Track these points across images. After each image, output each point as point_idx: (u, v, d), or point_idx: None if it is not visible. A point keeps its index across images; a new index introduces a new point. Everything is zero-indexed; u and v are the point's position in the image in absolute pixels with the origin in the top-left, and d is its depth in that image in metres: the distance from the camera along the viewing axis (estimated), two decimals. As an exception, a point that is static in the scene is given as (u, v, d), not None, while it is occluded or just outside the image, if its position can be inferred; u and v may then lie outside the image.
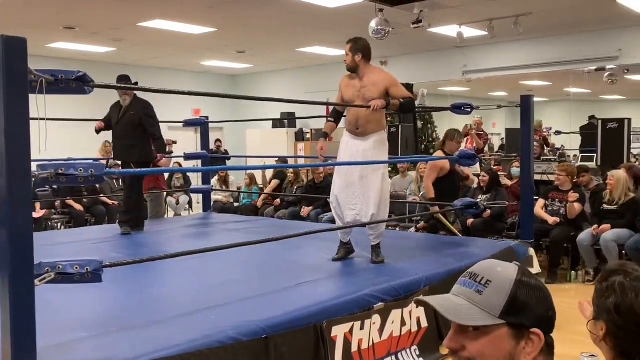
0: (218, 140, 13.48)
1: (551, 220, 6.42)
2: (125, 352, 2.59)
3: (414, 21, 8.21)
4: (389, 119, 11.71)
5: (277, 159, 9.89)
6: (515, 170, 7.30)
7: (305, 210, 8.67)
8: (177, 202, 10.76)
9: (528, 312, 1.17)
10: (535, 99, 5.55)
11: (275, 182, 9.62)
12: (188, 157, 7.17)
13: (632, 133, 9.48)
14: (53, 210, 8.68)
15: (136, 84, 5.73)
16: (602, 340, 1.48)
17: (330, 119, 4.74)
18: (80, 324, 3.10)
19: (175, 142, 10.21)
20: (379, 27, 7.96)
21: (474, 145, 9.98)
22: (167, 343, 2.71)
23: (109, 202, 9.13)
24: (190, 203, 11.03)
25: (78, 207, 8.70)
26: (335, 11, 8.55)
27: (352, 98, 4.53)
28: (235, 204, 10.05)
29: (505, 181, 7.84)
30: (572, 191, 6.48)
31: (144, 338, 2.82)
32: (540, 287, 1.21)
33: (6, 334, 2.23)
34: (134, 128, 5.98)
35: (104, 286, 2.94)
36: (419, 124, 12.21)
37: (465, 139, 10.14)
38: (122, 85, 5.20)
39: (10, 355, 2.20)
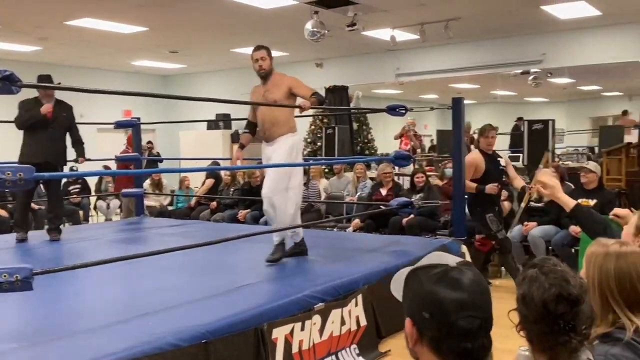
0: (149, 142, 13.17)
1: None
2: (59, 363, 2.49)
3: (349, 24, 8.31)
4: (325, 120, 11.80)
5: (211, 161, 9.76)
6: (449, 170, 7.51)
7: (242, 214, 8.59)
8: (108, 207, 10.43)
9: (405, 301, 1.23)
10: (465, 102, 5.74)
11: (210, 182, 9.47)
12: (120, 159, 6.98)
13: (555, 133, 9.94)
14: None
15: (59, 84, 5.35)
16: (517, 329, 1.57)
17: (244, 130, 4.83)
18: (10, 334, 2.96)
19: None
20: (315, 29, 8.01)
21: (410, 145, 10.20)
22: (103, 352, 2.62)
23: (35, 207, 8.74)
24: (121, 207, 10.71)
25: (2, 212, 8.29)
26: (270, 12, 8.53)
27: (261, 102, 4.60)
28: (170, 208, 9.84)
29: (436, 181, 8.06)
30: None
31: (79, 347, 2.72)
32: (427, 287, 1.17)
33: None
34: (65, 131, 5.78)
35: (33, 295, 2.83)
36: (355, 125, 12.37)
37: (400, 140, 10.36)
38: (51, 85, 4.88)
39: None
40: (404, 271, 1.30)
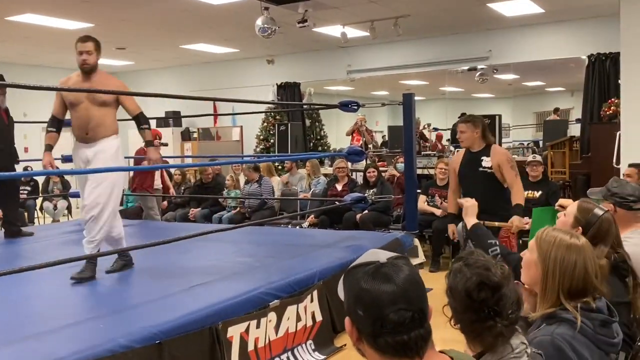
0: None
1: (438, 212, 6.73)
2: (5, 370, 2.41)
3: (300, 20, 8.30)
4: (277, 117, 11.78)
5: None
6: (401, 165, 7.61)
7: (192, 212, 8.49)
8: (55, 208, 10.13)
9: (344, 300, 1.25)
10: (415, 98, 5.81)
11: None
12: (67, 159, 6.76)
13: (502, 128, 10.19)
14: None
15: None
16: (453, 325, 1.62)
17: (51, 129, 4.30)
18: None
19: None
20: (265, 25, 7.97)
21: (362, 140, 10.29)
22: (51, 356, 2.55)
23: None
24: (69, 208, 10.43)
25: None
26: (220, 8, 8.44)
27: (79, 99, 4.17)
28: (120, 208, 9.61)
29: (393, 172, 8.14)
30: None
31: (26, 352, 2.64)
32: (360, 284, 1.19)
33: None
34: (10, 131, 5.67)
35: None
36: (307, 122, 12.38)
37: (352, 136, 10.43)
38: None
39: None
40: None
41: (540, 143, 12.16)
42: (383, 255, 1.24)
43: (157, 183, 8.21)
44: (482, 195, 3.89)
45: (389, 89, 17.68)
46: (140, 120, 4.35)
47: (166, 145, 8.59)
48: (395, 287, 1.16)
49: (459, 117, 11.65)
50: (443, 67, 11.54)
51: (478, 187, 4.30)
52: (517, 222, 4.27)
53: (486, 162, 4.37)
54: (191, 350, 3.07)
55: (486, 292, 1.53)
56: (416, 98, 5.75)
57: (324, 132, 12.83)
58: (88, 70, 4.26)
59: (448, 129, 13.37)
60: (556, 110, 13.54)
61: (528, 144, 13.70)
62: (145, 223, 7.63)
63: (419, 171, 7.40)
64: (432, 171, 7.94)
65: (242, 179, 8.90)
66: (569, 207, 2.56)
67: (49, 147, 4.23)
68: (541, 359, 1.59)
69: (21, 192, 9.54)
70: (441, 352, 1.26)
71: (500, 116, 9.80)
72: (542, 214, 3.85)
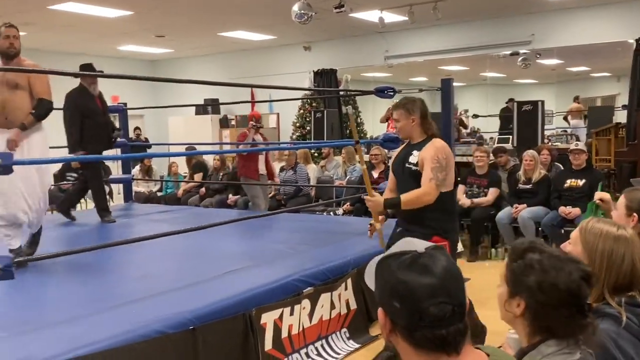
0: (137, 128, 13.04)
1: (467, 203, 6.59)
2: (44, 351, 2.45)
3: (336, 5, 8.22)
4: (314, 104, 11.74)
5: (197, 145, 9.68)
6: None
7: (231, 199, 8.55)
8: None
9: (376, 291, 1.21)
10: (454, 84, 5.68)
11: (198, 176, 9.36)
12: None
13: (545, 115, 9.93)
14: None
15: (101, 72, 6.13)
16: (518, 317, 1.52)
17: None
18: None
19: None
20: (302, 12, 7.92)
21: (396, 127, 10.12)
22: (87, 340, 2.59)
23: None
24: (110, 193, 10.62)
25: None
26: (257, -5, 8.42)
27: None
28: (159, 194, 9.77)
29: None
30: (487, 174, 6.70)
31: (64, 335, 2.68)
32: (396, 275, 1.14)
33: None
34: (105, 115, 6.06)
35: (17, 283, 2.78)
36: (344, 109, 12.29)
37: (387, 123, 10.30)
38: (24, 69, 4.47)
39: None
40: (376, 260, 1.27)
41: (585, 130, 11.79)
42: (420, 245, 1.19)
43: (262, 168, 7.52)
44: None
45: (428, 75, 17.43)
46: (38, 106, 4.19)
47: (262, 127, 7.84)
48: (434, 279, 1.11)
49: (506, 103, 11.21)
50: (484, 51, 11.28)
51: (405, 188, 3.42)
52: (371, 203, 3.46)
53: (414, 157, 3.40)
54: (224, 336, 3.08)
55: (587, 288, 1.46)
56: (455, 84, 5.61)
57: (360, 119, 12.73)
58: (13, 55, 4.28)
59: (489, 116, 13.11)
60: (576, 98, 13.07)
61: (572, 130, 13.32)
62: (184, 209, 7.72)
63: (457, 159, 7.25)
64: (470, 159, 7.78)
65: (277, 167, 8.91)
66: (619, 201, 2.49)
67: None
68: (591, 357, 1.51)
69: (67, 178, 9.78)
70: (477, 348, 1.20)
71: (543, 102, 9.53)
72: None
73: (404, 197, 3.32)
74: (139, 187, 9.46)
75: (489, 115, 13.19)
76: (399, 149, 3.77)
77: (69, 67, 12.06)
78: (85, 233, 5.67)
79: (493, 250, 6.66)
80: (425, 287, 1.10)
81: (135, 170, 9.53)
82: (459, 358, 1.14)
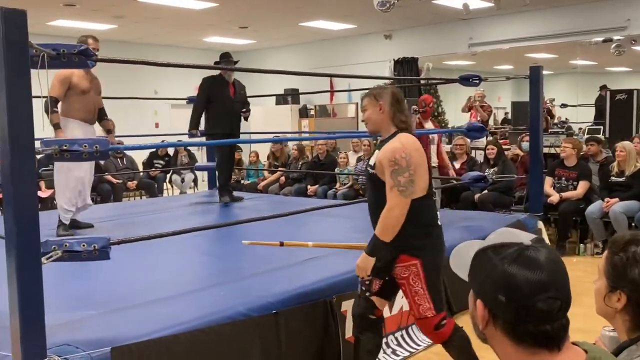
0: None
1: (556, 198, 6.30)
2: (134, 329, 2.57)
3: (419, -7, 8.07)
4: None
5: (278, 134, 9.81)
6: (526, 144, 7.21)
7: (311, 189, 8.64)
8: (183, 180, 10.73)
9: (475, 282, 1.16)
10: (543, 72, 5.45)
11: (278, 174, 9.45)
12: (203, 134, 7.10)
13: (640, 105, 9.36)
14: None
15: (237, 62, 6.55)
16: (618, 312, 1.45)
17: (55, 109, 4.70)
18: (88, 301, 3.09)
19: None
20: (384, 0, 7.83)
21: (478, 117, 9.86)
22: (176, 320, 2.69)
23: (114, 180, 9.12)
24: (195, 181, 11.00)
25: (131, 185, 8.67)
26: (338, -16, 8.41)
27: (89, 87, 4.92)
28: (242, 182, 10.01)
29: (516, 151, 7.74)
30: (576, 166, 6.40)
31: (152, 315, 2.80)
32: (502, 268, 1.09)
33: (14, 312, 2.21)
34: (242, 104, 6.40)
35: (111, 264, 2.92)
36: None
37: (470, 112, 10.05)
38: (126, 60, 4.80)
39: (19, 333, 2.18)
40: (465, 247, 1.24)
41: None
42: (523, 237, 1.15)
43: (434, 160, 6.73)
44: (370, 207, 2.91)
45: (513, 63, 16.84)
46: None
47: (423, 111, 6.94)
48: (544, 273, 1.08)
49: (598, 90, 10.62)
50: (574, 38, 10.75)
51: (369, 196, 2.96)
52: (359, 264, 2.85)
53: (373, 157, 2.87)
54: (306, 321, 3.12)
55: None
56: (544, 72, 5.39)
57: (442, 108, 12.49)
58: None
59: (578, 105, 12.51)
60: (603, 87, 12.12)
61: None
62: (265, 196, 7.87)
63: (545, 150, 6.98)
64: (558, 150, 7.46)
65: (352, 157, 8.91)
66: None
67: (58, 126, 4.69)
68: None
69: (155, 165, 10.22)
70: (573, 343, 1.15)
71: (638, 91, 8.98)
72: None
73: (377, 229, 2.77)
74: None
75: (579, 105, 12.59)
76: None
77: (157, 58, 12.56)
78: (174, 218, 5.89)
79: (581, 245, 6.37)
80: (535, 282, 1.07)
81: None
82: (559, 354, 1.09)
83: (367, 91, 2.99)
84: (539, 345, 1.09)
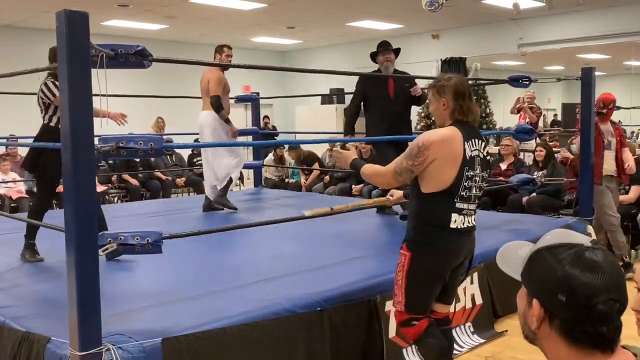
0: (266, 117, 13.54)
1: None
2: (184, 321, 2.65)
3: (469, -8, 7.98)
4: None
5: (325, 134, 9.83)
6: (574, 147, 7.05)
7: (356, 188, 8.65)
8: (229, 178, 10.89)
9: (532, 281, 1.16)
10: (596, 73, 5.32)
11: (315, 173, 9.47)
12: (240, 132, 7.22)
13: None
14: (110, 185, 8.94)
15: (397, 51, 5.81)
16: None
17: (222, 107, 5.58)
18: (141, 294, 3.19)
19: None
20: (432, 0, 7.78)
21: (527, 119, 9.69)
22: (224, 313, 2.76)
23: (163, 177, 9.34)
24: (241, 178, 11.16)
25: (134, 182, 8.93)
26: (386, -16, 8.40)
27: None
28: (287, 181, 10.11)
29: (566, 154, 7.57)
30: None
31: (202, 308, 2.88)
32: (563, 269, 1.09)
33: (72, 302, 2.31)
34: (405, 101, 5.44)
35: (162, 258, 3.01)
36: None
37: (519, 113, 9.88)
38: (181, 60, 4.85)
39: (77, 323, 2.28)
40: (513, 245, 1.25)
41: None
42: (583, 239, 1.15)
43: (610, 169, 5.52)
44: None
45: (564, 64, 16.48)
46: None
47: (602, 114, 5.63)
48: (605, 275, 1.09)
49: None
50: (629, 39, 10.44)
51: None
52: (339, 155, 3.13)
53: None
54: (349, 320, 3.15)
55: None
56: (596, 73, 5.26)
57: (490, 109, 12.31)
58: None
59: (633, 108, 12.14)
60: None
61: None
62: (309, 195, 7.93)
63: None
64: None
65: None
66: None
67: (229, 121, 5.67)
68: None
69: (195, 162, 10.39)
70: (623, 347, 1.15)
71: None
72: None
73: (367, 167, 2.94)
74: (267, 174, 9.83)
75: (632, 108, 12.21)
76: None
77: (206, 58, 12.78)
78: (220, 215, 6.00)
79: (632, 251, 6.19)
80: (597, 284, 1.08)
81: (269, 158, 9.95)
82: (611, 356, 1.10)
83: (431, 82, 2.94)
84: (593, 346, 1.10)
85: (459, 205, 2.66)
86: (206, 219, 5.69)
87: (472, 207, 2.72)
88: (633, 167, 5.65)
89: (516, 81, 5.10)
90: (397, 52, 5.69)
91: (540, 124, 10.96)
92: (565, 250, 1.13)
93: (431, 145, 2.61)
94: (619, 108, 12.18)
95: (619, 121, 13.67)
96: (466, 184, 2.65)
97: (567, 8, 9.59)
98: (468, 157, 2.64)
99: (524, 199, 6.64)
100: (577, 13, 10.25)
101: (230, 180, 5.92)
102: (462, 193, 2.65)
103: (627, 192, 6.18)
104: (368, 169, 2.92)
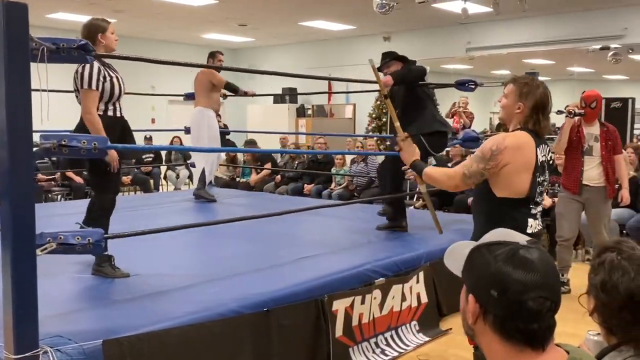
0: (217, 115, 13.38)
1: (548, 203, 6.33)
2: (126, 323, 2.59)
3: (419, -4, 8.11)
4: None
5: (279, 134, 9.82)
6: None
7: (307, 187, 8.67)
8: (177, 176, 10.74)
9: (469, 277, 1.20)
10: (538, 78, 5.48)
11: (265, 172, 9.45)
12: (189, 131, 7.10)
13: (635, 113, 9.43)
14: (53, 182, 8.67)
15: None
16: (590, 314, 1.48)
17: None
18: (81, 295, 3.11)
19: None
20: (384, 2, 7.87)
21: (461, 122, 10.01)
22: (168, 314, 2.72)
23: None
24: (190, 177, 11.01)
25: (78, 179, 8.68)
26: (338, -15, 8.44)
27: None
28: (237, 180, 10.03)
29: None
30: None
31: (145, 309, 2.83)
32: (496, 265, 1.13)
33: (8, 304, 2.22)
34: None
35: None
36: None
37: (453, 118, 10.14)
38: (124, 56, 4.75)
39: (12, 324, 2.20)
40: (459, 246, 1.27)
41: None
42: (519, 237, 1.19)
43: (592, 178, 4.93)
44: (474, 198, 2.84)
45: (511, 68, 16.92)
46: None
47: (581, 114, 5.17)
48: (538, 273, 1.12)
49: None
50: (572, 45, 10.82)
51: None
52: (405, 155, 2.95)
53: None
54: (297, 320, 3.15)
55: None
56: (540, 78, 5.41)
57: (439, 112, 12.53)
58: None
59: (577, 115, 12.58)
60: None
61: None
62: (260, 195, 7.89)
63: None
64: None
65: (349, 158, 8.94)
66: None
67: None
68: None
69: (144, 159, 10.21)
70: (557, 345, 1.19)
71: (634, 100, 9.05)
72: None
73: (430, 168, 2.85)
74: (218, 173, 9.73)
75: (577, 115, 12.65)
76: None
77: (157, 53, 12.56)
78: (168, 214, 5.91)
79: (573, 251, 6.41)
80: (527, 281, 1.11)
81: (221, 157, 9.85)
82: (542, 354, 1.13)
83: (517, 77, 2.79)
84: (525, 343, 1.13)
85: (533, 210, 2.65)
86: (153, 217, 5.59)
87: (540, 209, 2.72)
88: (626, 197, 4.99)
89: (462, 85, 5.21)
90: (401, 58, 5.06)
91: (487, 126, 11.25)
92: (502, 247, 1.16)
93: (505, 150, 2.53)
94: (560, 112, 12.61)
95: (555, 125, 14.15)
96: (538, 189, 2.62)
97: (514, 14, 9.86)
98: (539, 163, 2.59)
99: (470, 199, 6.78)
100: (523, 19, 10.55)
101: (204, 174, 6.44)
102: (536, 199, 2.63)
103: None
104: (432, 171, 2.81)
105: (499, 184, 2.59)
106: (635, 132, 10.70)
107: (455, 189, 2.81)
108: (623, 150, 5.68)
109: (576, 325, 2.02)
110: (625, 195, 4.96)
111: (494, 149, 2.55)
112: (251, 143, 9.69)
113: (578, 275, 4.83)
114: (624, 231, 5.92)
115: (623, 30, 9.94)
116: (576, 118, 4.87)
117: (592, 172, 4.84)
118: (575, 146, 4.81)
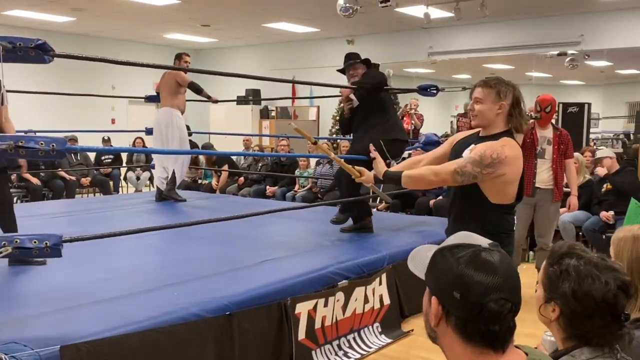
0: (180, 115, 13.24)
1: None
2: (84, 328, 2.54)
3: (382, 0, 8.18)
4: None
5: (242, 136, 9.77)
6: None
7: (270, 190, 8.64)
8: (138, 178, 10.57)
9: (432, 279, 1.21)
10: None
11: (225, 174, 9.37)
12: (150, 132, 7.01)
13: (591, 118, 9.71)
14: (9, 183, 8.42)
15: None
16: (553, 321, 1.50)
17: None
18: (38, 299, 3.03)
19: None
20: (347, 5, 7.92)
21: (412, 123, 10.18)
22: (128, 319, 2.67)
23: (67, 176, 8.92)
24: (151, 179, 10.85)
25: (35, 181, 8.47)
26: (302, -13, 8.45)
27: None
28: (199, 182, 9.93)
29: None
30: None
31: (105, 314, 2.77)
32: (458, 267, 1.14)
33: (-40, 310, 2.16)
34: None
35: (61, 262, 2.88)
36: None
37: (403, 119, 10.29)
38: (84, 56, 4.64)
39: (-35, 331, 2.14)
40: (423, 249, 1.29)
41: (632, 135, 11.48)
42: (481, 240, 1.21)
43: (544, 181, 4.93)
44: (455, 200, 2.82)
45: (472, 72, 17.23)
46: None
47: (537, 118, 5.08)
48: (498, 275, 1.14)
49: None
50: (530, 51, 11.10)
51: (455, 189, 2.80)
52: (365, 178, 3.00)
53: (467, 151, 2.72)
54: (260, 323, 3.13)
55: (623, 298, 1.42)
56: (499, 82, 5.53)
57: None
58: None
59: (534, 118, 12.88)
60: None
61: (618, 135, 12.97)
62: (222, 197, 7.83)
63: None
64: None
65: (313, 160, 8.94)
66: None
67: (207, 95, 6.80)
68: None
69: (103, 160, 10.01)
70: (516, 347, 1.21)
71: (589, 105, 9.31)
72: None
73: (409, 172, 2.77)
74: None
75: (534, 118, 12.96)
76: (467, 133, 2.92)
77: (118, 53, 12.35)
78: (129, 216, 5.81)
79: (531, 252, 6.55)
80: (488, 283, 1.12)
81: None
82: (503, 356, 1.15)
83: (486, 79, 2.73)
84: (485, 344, 1.14)
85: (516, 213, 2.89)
86: (112, 220, 5.49)
87: None
88: (573, 204, 5.01)
89: (425, 90, 5.28)
90: (364, 61, 5.07)
91: (448, 130, 11.43)
92: (464, 250, 1.17)
93: (506, 160, 2.55)
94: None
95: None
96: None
97: (474, 19, 10.04)
98: (522, 172, 2.69)
99: (431, 202, 6.88)
100: (483, 25, 10.76)
101: (174, 175, 6.47)
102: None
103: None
104: (413, 172, 2.76)
105: (491, 190, 2.63)
106: (591, 136, 11.01)
107: (442, 184, 2.85)
108: (577, 154, 5.83)
109: (534, 326, 2.07)
110: (573, 202, 5.02)
111: (494, 156, 2.55)
112: (208, 147, 9.60)
113: (535, 276, 4.93)
114: (580, 232, 6.08)
115: (579, 37, 10.23)
116: (530, 121, 4.90)
117: (543, 175, 4.91)
118: (529, 149, 4.86)
